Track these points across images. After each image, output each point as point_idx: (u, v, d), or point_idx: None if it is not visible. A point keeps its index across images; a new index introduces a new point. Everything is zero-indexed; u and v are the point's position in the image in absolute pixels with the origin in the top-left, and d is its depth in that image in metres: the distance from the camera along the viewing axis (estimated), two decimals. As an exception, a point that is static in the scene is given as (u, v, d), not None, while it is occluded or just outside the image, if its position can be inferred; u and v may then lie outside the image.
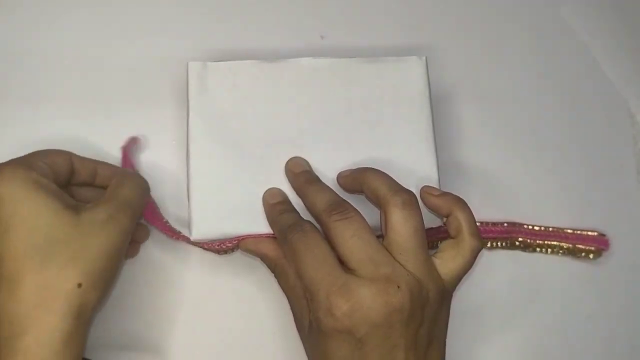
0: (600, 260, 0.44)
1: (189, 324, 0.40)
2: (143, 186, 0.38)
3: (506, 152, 0.45)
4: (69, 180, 0.37)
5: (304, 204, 0.37)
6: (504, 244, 0.43)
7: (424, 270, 0.33)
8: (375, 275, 0.32)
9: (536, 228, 0.44)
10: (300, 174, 0.38)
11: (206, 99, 0.39)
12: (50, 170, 0.35)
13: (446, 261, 0.34)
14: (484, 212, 0.43)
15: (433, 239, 0.41)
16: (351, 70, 0.40)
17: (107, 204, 0.34)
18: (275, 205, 0.37)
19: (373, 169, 0.36)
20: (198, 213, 0.37)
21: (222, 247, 0.38)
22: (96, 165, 0.38)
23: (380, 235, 0.34)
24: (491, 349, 0.42)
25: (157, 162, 0.41)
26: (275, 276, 0.37)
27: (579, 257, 0.44)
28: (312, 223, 0.35)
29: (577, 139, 0.46)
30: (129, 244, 0.39)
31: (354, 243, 0.33)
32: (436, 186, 0.38)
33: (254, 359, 0.40)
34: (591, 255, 0.44)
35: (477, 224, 0.35)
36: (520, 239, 0.43)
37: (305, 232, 0.34)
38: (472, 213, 0.35)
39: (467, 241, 0.34)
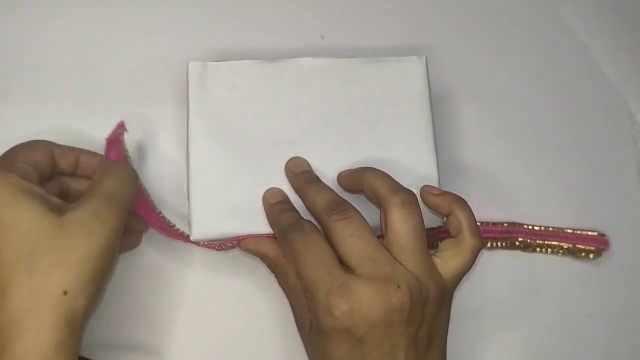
0: (600, 260, 0.44)
1: (189, 324, 0.40)
2: (130, 174, 0.36)
3: (506, 152, 0.45)
4: (52, 172, 0.36)
5: (304, 203, 0.37)
6: (504, 244, 0.43)
7: (424, 270, 0.33)
8: (375, 275, 0.32)
9: (536, 228, 0.44)
10: (300, 174, 0.38)
11: (206, 99, 0.39)
12: (32, 169, 0.34)
13: (446, 260, 0.34)
14: (484, 212, 0.43)
15: (433, 238, 0.41)
16: (351, 70, 0.40)
17: (91, 200, 0.33)
18: (275, 204, 0.37)
19: (373, 168, 0.36)
20: (198, 213, 0.37)
21: (221, 247, 0.38)
22: (78, 154, 0.37)
23: (381, 235, 0.34)
24: (491, 349, 0.42)
25: (157, 162, 0.41)
26: (275, 276, 0.37)
27: (579, 257, 0.44)
28: (312, 222, 0.35)
29: (577, 139, 0.46)
30: (128, 235, 0.39)
31: (353, 242, 0.33)
32: (436, 186, 0.38)
33: (254, 359, 0.40)
34: (591, 255, 0.44)
35: (477, 223, 0.35)
36: (520, 239, 0.43)
37: (305, 232, 0.34)
38: (472, 212, 0.35)
39: (468, 240, 0.34)
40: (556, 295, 0.43)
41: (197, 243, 0.38)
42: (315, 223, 0.35)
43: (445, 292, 0.34)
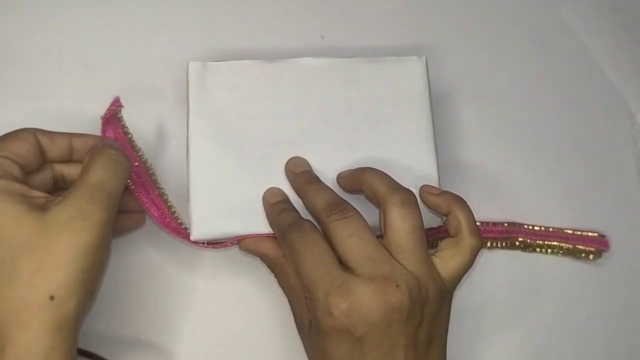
0: (600, 261, 0.44)
1: (189, 324, 0.40)
2: (118, 161, 0.33)
3: (506, 152, 0.45)
4: (41, 160, 0.34)
5: (304, 203, 0.37)
6: (504, 244, 0.43)
7: (423, 269, 0.33)
8: (374, 274, 0.32)
9: (536, 228, 0.44)
10: (300, 174, 0.38)
11: (206, 99, 0.39)
12: (12, 163, 0.32)
13: (446, 260, 0.34)
14: (484, 212, 0.43)
15: (433, 238, 0.41)
16: (351, 70, 0.40)
17: (76, 193, 0.31)
18: (275, 204, 0.37)
19: (372, 168, 0.36)
20: (198, 213, 0.37)
21: (221, 247, 0.38)
22: (71, 138, 0.35)
23: (380, 235, 0.34)
24: (491, 349, 0.42)
25: (157, 162, 0.41)
26: (275, 276, 0.37)
27: (578, 257, 0.44)
28: (311, 222, 0.35)
29: (577, 139, 0.46)
30: (130, 215, 0.38)
31: (353, 242, 0.33)
32: (436, 186, 0.38)
33: (254, 359, 0.40)
34: (591, 256, 0.44)
35: (477, 223, 0.35)
36: (520, 239, 0.43)
37: (305, 231, 0.34)
38: (471, 211, 0.35)
39: (467, 239, 0.34)
40: (556, 295, 0.43)
41: (196, 243, 0.38)
42: (315, 223, 0.35)
43: (445, 292, 0.34)
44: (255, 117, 0.39)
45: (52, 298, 0.29)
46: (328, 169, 0.38)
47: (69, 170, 0.36)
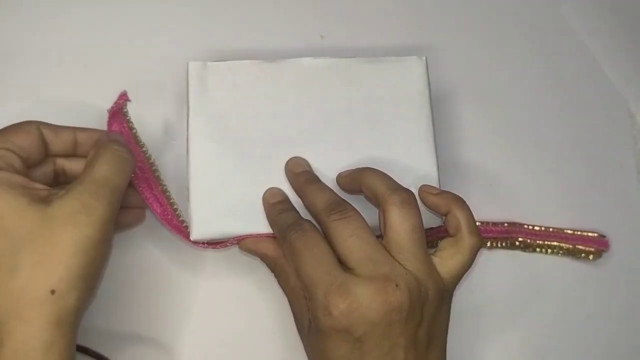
0: (600, 261, 0.44)
1: (189, 323, 0.40)
2: (123, 157, 0.33)
3: (506, 152, 0.45)
4: (44, 154, 0.34)
5: (304, 203, 0.37)
6: (504, 244, 0.43)
7: (423, 269, 0.33)
8: (374, 274, 0.32)
9: (536, 228, 0.44)
10: (300, 174, 0.38)
11: (206, 99, 0.39)
12: (15, 155, 0.32)
13: (445, 260, 0.34)
14: (484, 212, 0.43)
15: (433, 238, 0.41)
16: (351, 70, 0.40)
17: (80, 187, 0.30)
18: (275, 204, 0.37)
19: (372, 168, 0.36)
20: (198, 213, 0.37)
21: (221, 247, 0.38)
22: (75, 133, 0.35)
23: (380, 235, 0.34)
24: (491, 349, 0.42)
25: (156, 162, 0.41)
26: (275, 276, 0.37)
27: (578, 257, 0.44)
28: (311, 222, 0.35)
29: (577, 139, 0.46)
30: (130, 211, 0.37)
31: (352, 242, 0.33)
32: (436, 186, 0.38)
33: (254, 359, 0.40)
34: (591, 256, 0.44)
35: (477, 223, 0.35)
36: (520, 239, 0.43)
37: (305, 231, 0.34)
38: (470, 211, 0.35)
39: (466, 239, 0.34)
40: (556, 295, 0.43)
41: (196, 243, 0.38)
42: (315, 223, 0.35)
43: (445, 292, 0.34)
44: (255, 117, 0.39)
45: (53, 292, 0.29)
46: (328, 169, 0.38)
47: (71, 165, 0.36)
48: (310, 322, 0.33)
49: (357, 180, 0.36)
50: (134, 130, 0.39)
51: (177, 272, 0.41)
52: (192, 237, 0.37)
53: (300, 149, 0.39)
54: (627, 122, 0.47)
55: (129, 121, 0.39)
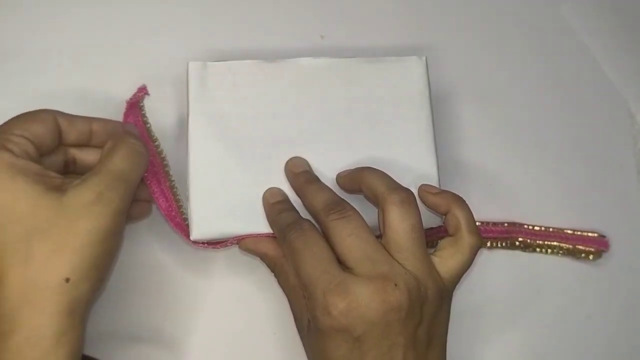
0: (600, 261, 0.44)
1: (188, 323, 0.40)
2: (140, 153, 0.34)
3: (506, 152, 0.45)
4: (57, 143, 0.34)
5: (303, 203, 0.37)
6: (504, 244, 0.43)
7: (422, 269, 0.33)
8: (373, 274, 0.32)
9: (536, 228, 0.44)
10: (300, 174, 0.38)
11: (206, 99, 0.39)
12: (29, 143, 0.32)
13: (445, 259, 0.34)
14: (484, 212, 0.43)
15: (433, 238, 0.41)
16: (351, 70, 0.40)
17: (96, 178, 0.31)
18: (275, 204, 0.37)
19: (371, 168, 0.36)
20: (198, 213, 0.37)
21: (221, 247, 0.38)
22: (91, 123, 0.35)
23: (380, 235, 0.34)
24: (491, 349, 0.42)
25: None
26: (275, 276, 0.37)
27: (578, 257, 0.44)
28: (311, 222, 0.35)
29: (577, 139, 0.46)
30: (137, 204, 0.38)
31: (351, 242, 0.33)
32: (436, 186, 0.38)
33: (254, 359, 0.40)
34: (591, 256, 0.44)
35: (478, 223, 0.35)
36: (520, 239, 0.43)
37: (304, 231, 0.34)
38: (470, 210, 0.35)
39: (466, 238, 0.34)
40: (556, 295, 0.43)
41: (196, 243, 0.38)
42: (315, 223, 0.35)
43: (445, 292, 0.34)
44: (255, 117, 0.39)
45: (67, 280, 0.29)
46: (328, 169, 0.38)
47: (81, 155, 0.36)
48: (309, 322, 0.33)
49: (357, 179, 0.36)
50: (148, 125, 0.40)
51: (177, 272, 0.41)
52: (192, 237, 0.37)
53: (300, 149, 0.39)
54: (627, 122, 0.47)
55: (144, 115, 0.40)
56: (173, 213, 0.38)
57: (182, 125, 0.39)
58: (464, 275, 0.35)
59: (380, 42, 0.46)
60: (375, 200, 0.35)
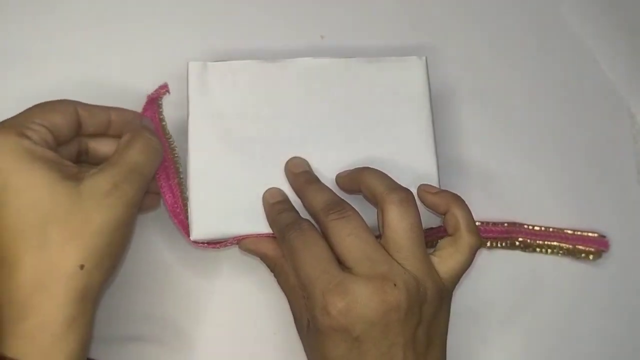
0: (600, 261, 0.44)
1: (188, 323, 0.40)
2: (156, 149, 0.35)
3: (506, 152, 0.45)
4: (75, 133, 0.35)
5: (303, 203, 0.37)
6: (504, 244, 0.43)
7: (421, 268, 0.33)
8: (372, 274, 0.32)
9: (536, 228, 0.44)
10: (300, 174, 0.38)
11: (206, 99, 0.39)
12: (48, 131, 0.32)
13: (444, 259, 0.34)
14: (484, 211, 0.43)
15: (432, 238, 0.41)
16: (351, 70, 0.40)
17: (112, 169, 0.32)
18: (275, 204, 0.37)
19: (370, 168, 0.36)
20: (198, 213, 0.37)
21: (221, 247, 0.38)
22: (109, 112, 0.36)
23: (379, 235, 0.34)
24: (491, 349, 0.42)
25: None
26: (275, 276, 0.38)
27: (578, 257, 0.44)
28: (310, 222, 0.35)
29: (577, 139, 0.46)
30: (147, 196, 0.38)
31: (351, 241, 0.33)
32: (436, 186, 0.38)
33: (254, 359, 0.40)
34: (591, 257, 0.43)
35: (477, 223, 0.35)
36: (520, 239, 0.43)
37: (303, 231, 0.34)
38: (469, 210, 0.35)
39: (465, 238, 0.34)
40: (556, 295, 0.43)
41: (196, 243, 0.38)
42: (315, 223, 0.35)
43: (444, 292, 0.34)
44: (255, 117, 0.39)
45: (82, 267, 0.29)
46: (328, 169, 0.39)
47: (95, 145, 0.37)
48: (309, 322, 0.33)
49: (356, 180, 0.36)
50: (164, 123, 0.40)
51: (177, 273, 0.41)
52: (192, 237, 0.37)
53: (300, 149, 0.39)
54: (627, 122, 0.47)
55: (160, 112, 0.40)
56: (178, 210, 0.38)
57: (182, 125, 0.39)
58: (464, 275, 0.35)
59: (380, 42, 0.46)
60: (375, 200, 0.35)
